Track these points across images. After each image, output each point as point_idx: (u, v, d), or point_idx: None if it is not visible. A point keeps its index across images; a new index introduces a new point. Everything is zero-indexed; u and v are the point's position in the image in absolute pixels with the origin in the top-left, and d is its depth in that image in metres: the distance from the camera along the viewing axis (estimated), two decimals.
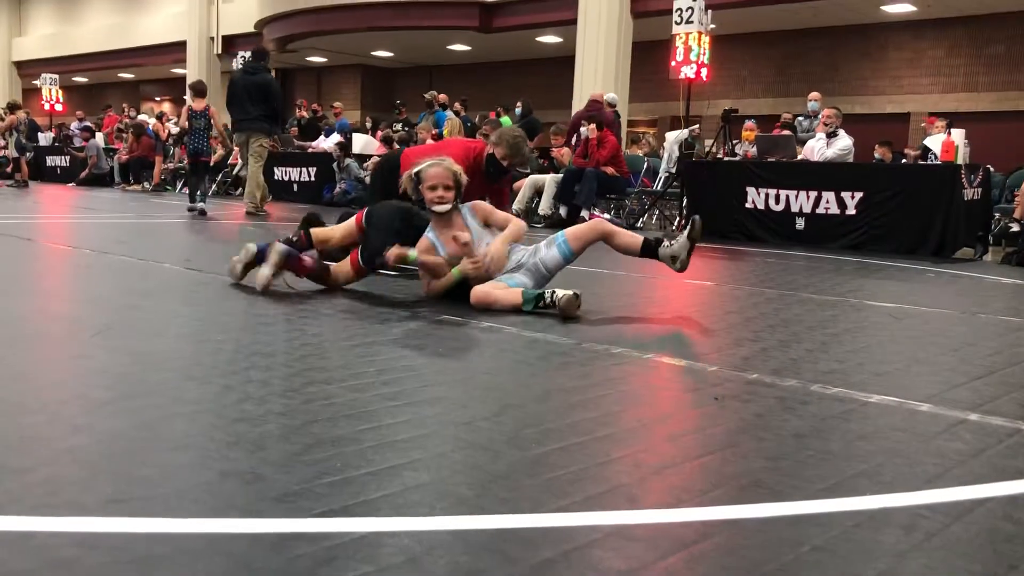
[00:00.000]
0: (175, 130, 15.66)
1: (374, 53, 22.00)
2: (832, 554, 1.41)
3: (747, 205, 8.44)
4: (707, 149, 11.26)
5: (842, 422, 2.20)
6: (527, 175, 10.20)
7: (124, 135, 16.96)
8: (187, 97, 11.24)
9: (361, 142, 13.59)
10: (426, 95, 13.99)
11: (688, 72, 10.14)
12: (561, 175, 9.96)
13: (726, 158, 9.66)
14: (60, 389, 2.28)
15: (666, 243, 3.82)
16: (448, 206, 3.82)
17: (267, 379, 2.36)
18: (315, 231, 4.25)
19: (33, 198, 12.18)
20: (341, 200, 11.85)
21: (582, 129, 10.12)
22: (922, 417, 2.27)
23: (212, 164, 11.39)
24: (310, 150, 14.18)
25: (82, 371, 2.48)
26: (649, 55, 15.86)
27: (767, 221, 8.32)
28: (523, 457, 1.82)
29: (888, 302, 4.49)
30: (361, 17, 17.59)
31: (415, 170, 3.88)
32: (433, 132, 11.22)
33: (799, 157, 9.16)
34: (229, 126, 10.97)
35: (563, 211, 9.76)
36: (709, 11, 10.19)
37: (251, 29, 20.33)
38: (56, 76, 20.97)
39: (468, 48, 19.94)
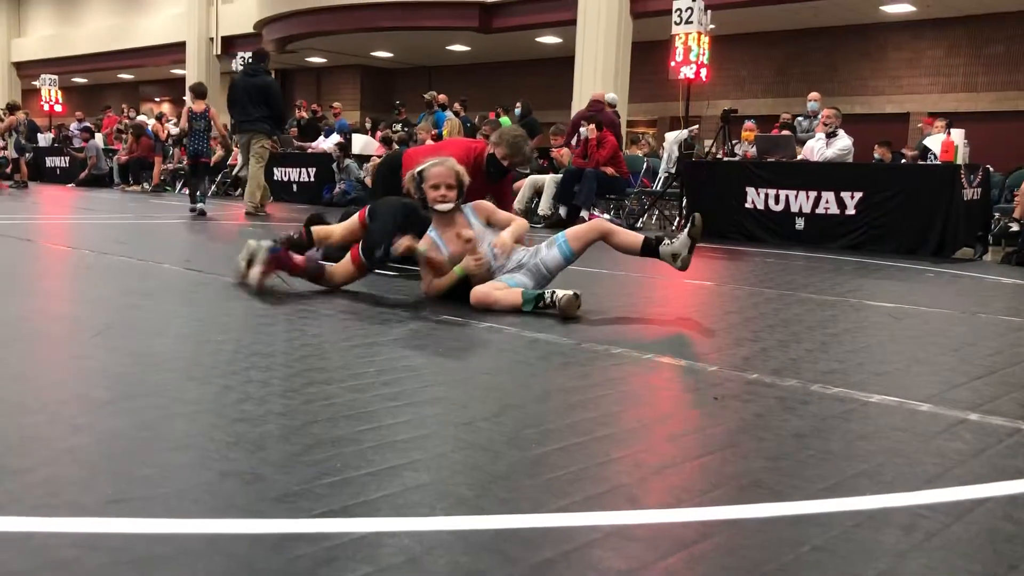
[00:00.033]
0: (175, 131, 15.66)
1: (373, 53, 22.01)
2: (832, 554, 1.41)
3: (747, 205, 8.44)
4: (707, 149, 11.27)
5: (842, 422, 2.20)
6: (527, 175, 10.20)
7: (123, 136, 16.96)
8: (187, 99, 11.25)
9: (360, 142, 13.60)
10: (425, 95, 13.99)
11: (688, 72, 10.14)
12: (560, 175, 9.97)
13: (726, 158, 9.66)
14: (60, 389, 2.28)
15: (667, 241, 3.82)
16: (450, 205, 3.82)
17: (267, 379, 2.36)
18: (316, 228, 4.25)
19: (33, 199, 12.18)
20: (340, 200, 11.85)
21: (581, 129, 10.12)
22: (922, 417, 2.27)
23: (212, 165, 11.39)
24: (309, 150, 14.18)
25: (82, 371, 2.48)
26: (648, 55, 15.87)
27: (767, 221, 8.32)
28: (523, 457, 1.82)
29: (888, 302, 4.49)
30: (360, 18, 17.59)
31: (418, 169, 3.88)
32: (432, 132, 11.21)
33: (799, 157, 9.16)
34: (229, 127, 10.98)
35: (563, 211, 9.76)
36: (708, 11, 10.20)
37: (250, 30, 20.33)
38: (55, 77, 20.97)
39: (468, 48, 19.94)
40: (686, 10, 10.06)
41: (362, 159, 12.89)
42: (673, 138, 10.52)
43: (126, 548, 1.33)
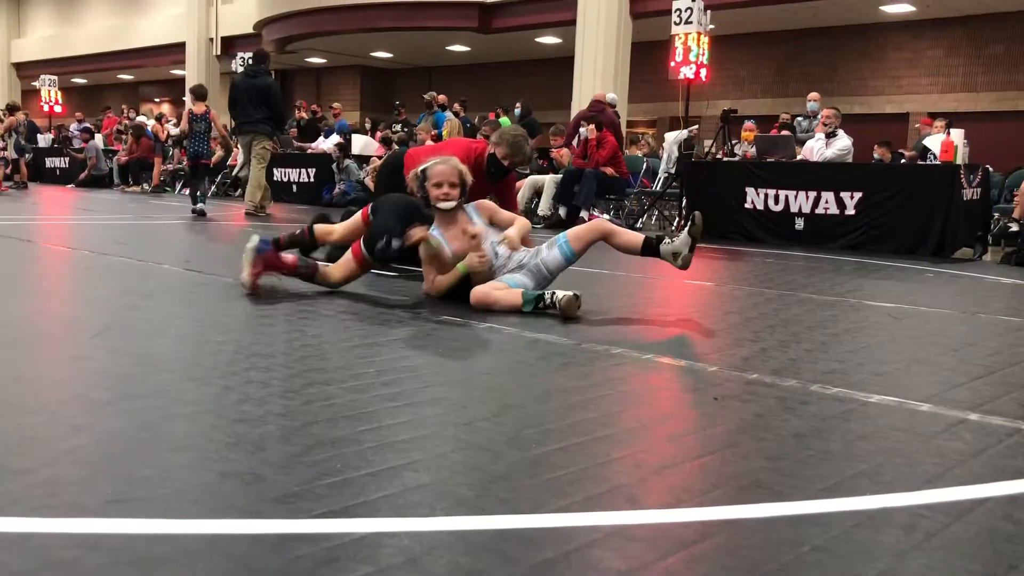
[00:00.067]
0: (174, 131, 15.66)
1: (373, 54, 22.01)
2: (832, 554, 1.41)
3: (746, 205, 8.44)
4: (706, 149, 11.27)
5: (842, 422, 2.20)
6: (527, 176, 10.20)
7: (123, 136, 16.97)
8: (187, 100, 11.25)
9: (360, 143, 13.60)
10: (425, 96, 13.99)
11: (687, 72, 10.15)
12: (560, 176, 9.97)
13: (725, 158, 9.67)
14: (60, 390, 2.28)
15: (667, 240, 3.81)
16: (453, 203, 3.83)
17: (267, 380, 2.36)
18: (318, 226, 4.25)
19: (32, 199, 12.18)
20: (340, 201, 11.85)
21: (581, 130, 10.12)
22: (922, 417, 2.27)
23: (212, 166, 11.40)
24: (309, 151, 14.18)
25: (82, 372, 2.48)
26: (648, 55, 15.87)
27: (766, 221, 8.32)
28: (523, 457, 1.82)
29: (887, 302, 4.50)
30: (360, 18, 17.59)
31: (421, 168, 3.88)
32: (432, 133, 11.22)
33: (798, 157, 9.16)
34: (229, 127, 10.98)
35: (562, 212, 9.76)
36: (708, 11, 10.20)
37: (250, 30, 20.33)
38: (55, 77, 20.97)
39: (467, 49, 19.94)
40: (686, 10, 10.07)
41: (362, 160, 12.89)
42: (673, 138, 10.52)
43: (126, 548, 1.33)
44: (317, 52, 21.86)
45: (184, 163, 12.49)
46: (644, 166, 11.35)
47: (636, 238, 3.87)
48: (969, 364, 2.97)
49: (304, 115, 16.66)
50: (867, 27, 16.07)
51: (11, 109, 15.35)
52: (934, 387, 2.60)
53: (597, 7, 14.14)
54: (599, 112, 10.40)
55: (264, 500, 1.53)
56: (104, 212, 10.01)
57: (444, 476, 1.70)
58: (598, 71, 13.99)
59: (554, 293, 3.57)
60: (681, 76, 10.22)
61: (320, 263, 4.13)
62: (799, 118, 11.78)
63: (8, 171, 14.26)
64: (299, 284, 4.06)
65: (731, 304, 4.35)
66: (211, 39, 22.37)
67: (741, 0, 13.81)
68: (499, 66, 21.22)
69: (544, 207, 9.95)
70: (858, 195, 7.76)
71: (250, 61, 10.66)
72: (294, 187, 13.72)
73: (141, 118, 18.06)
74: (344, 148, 13.02)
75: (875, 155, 11.34)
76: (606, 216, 9.78)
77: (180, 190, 15.16)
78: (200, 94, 9.83)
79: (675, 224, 9.84)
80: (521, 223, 3.97)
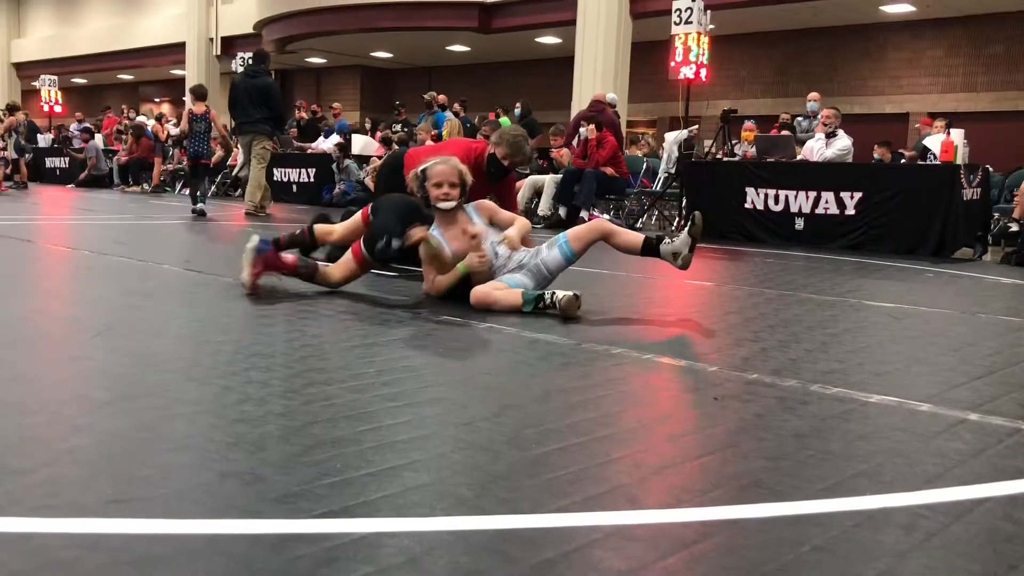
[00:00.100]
0: (174, 131, 15.66)
1: (373, 54, 22.01)
2: (832, 554, 1.41)
3: (746, 205, 8.44)
4: (706, 150, 11.26)
5: (842, 422, 2.20)
6: (527, 175, 10.20)
7: (123, 136, 16.97)
8: (187, 100, 11.26)
9: (360, 143, 13.60)
10: (425, 96, 13.99)
11: (687, 72, 10.15)
12: (560, 176, 9.97)
13: (725, 158, 9.66)
14: (60, 390, 2.28)
15: (667, 240, 3.81)
16: (453, 203, 3.83)
17: (267, 380, 2.36)
18: (318, 227, 4.25)
19: (32, 199, 12.18)
20: (340, 201, 11.85)
21: (581, 130, 10.12)
22: (922, 417, 2.27)
23: (211, 166, 11.40)
24: (309, 151, 14.18)
25: (82, 372, 2.48)
26: (648, 55, 15.87)
27: (766, 221, 8.32)
28: (523, 457, 1.82)
29: (887, 302, 4.50)
30: (360, 18, 17.59)
31: (421, 168, 3.88)
32: (432, 133, 11.22)
33: (798, 157, 9.16)
34: (229, 127, 10.98)
35: (562, 212, 9.76)
36: (708, 11, 10.20)
37: (250, 30, 20.33)
38: (55, 77, 20.97)
39: (467, 49, 19.94)
40: (686, 10, 10.07)
41: (362, 160, 12.89)
42: (673, 138, 10.52)
43: (126, 548, 1.33)
44: (317, 52, 21.86)
45: (184, 163, 12.49)
46: (644, 166, 11.35)
47: (636, 238, 3.87)
48: (969, 364, 2.97)
49: (304, 115, 16.66)
50: (867, 27, 16.07)
51: (11, 109, 15.35)
52: (934, 387, 2.60)
53: (597, 7, 14.14)
54: (599, 112, 10.40)
55: (264, 500, 1.53)
56: (104, 212, 10.01)
57: (444, 476, 1.70)
58: (598, 71, 13.99)
59: (554, 293, 3.57)
60: (681, 76, 10.22)
61: (320, 263, 4.13)
62: (799, 118, 11.78)
63: (8, 171, 14.26)
64: (299, 284, 4.06)
65: (731, 304, 4.35)
66: (211, 39, 22.37)
67: (741, 0, 13.81)
68: (499, 66, 21.22)
69: (544, 207, 9.95)
70: (858, 195, 7.76)
71: (250, 61, 10.65)
72: (294, 187, 13.72)
73: (141, 118, 18.06)
74: (344, 148, 13.02)
75: (875, 155, 11.34)
76: (606, 216, 9.78)
77: (180, 190, 15.16)
78: (200, 94, 9.84)
79: (675, 224, 9.84)
80: (521, 223, 3.97)
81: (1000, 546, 1.48)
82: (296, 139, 15.12)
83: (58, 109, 20.72)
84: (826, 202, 7.94)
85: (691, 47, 10.08)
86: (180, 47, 22.96)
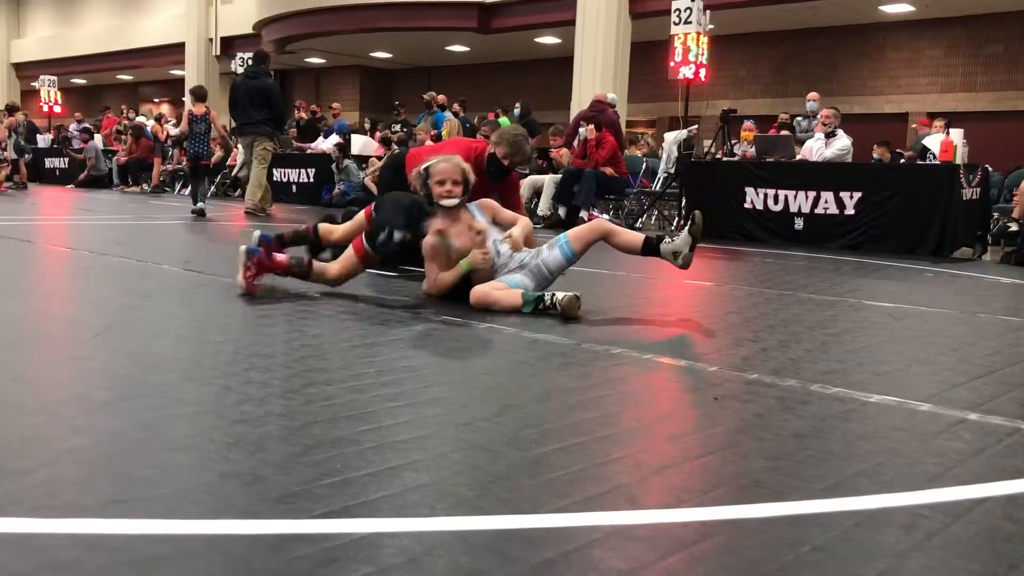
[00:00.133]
0: (174, 132, 15.66)
1: (373, 54, 22.01)
2: (832, 554, 1.41)
3: (746, 205, 8.44)
4: (706, 149, 11.26)
5: (842, 422, 2.20)
6: (527, 175, 10.20)
7: (123, 137, 16.97)
8: (187, 101, 11.26)
9: (360, 143, 13.59)
10: (425, 96, 13.99)
11: (687, 72, 10.15)
12: (560, 176, 9.97)
13: (725, 158, 9.67)
14: (60, 390, 2.28)
15: (668, 240, 3.81)
16: (456, 200, 3.83)
17: (267, 380, 2.36)
18: (322, 225, 4.26)
19: (32, 200, 12.17)
20: (340, 201, 11.85)
21: (581, 130, 10.12)
22: (922, 417, 2.27)
23: (211, 166, 11.40)
24: (309, 151, 14.18)
25: (82, 372, 2.48)
26: (648, 55, 15.87)
27: (766, 221, 8.32)
28: (523, 457, 1.82)
29: (887, 302, 4.50)
30: (360, 18, 17.59)
31: (424, 166, 3.88)
32: (432, 133, 11.22)
33: (798, 157, 9.16)
34: (229, 128, 10.98)
35: (562, 212, 9.76)
36: (707, 11, 10.20)
37: (250, 30, 20.33)
38: (55, 78, 20.97)
39: (467, 49, 19.94)
40: (685, 10, 10.07)
41: (361, 160, 12.89)
42: (672, 138, 10.53)
43: (126, 549, 1.33)
44: (316, 52, 21.86)
45: (184, 164, 12.49)
46: (644, 166, 11.35)
47: (636, 238, 3.87)
48: (969, 364, 2.97)
49: (303, 115, 16.66)
50: (866, 27, 16.07)
51: (10, 109, 15.35)
52: (934, 387, 2.60)
53: (596, 7, 14.14)
54: (600, 112, 10.39)
55: (264, 500, 1.53)
56: (104, 212, 10.01)
57: (444, 476, 1.70)
58: (597, 71, 13.99)
59: (554, 295, 3.57)
60: (680, 76, 10.22)
61: (315, 260, 4.10)
62: (798, 118, 11.78)
63: (8, 171, 14.26)
64: (298, 284, 4.06)
65: (731, 304, 4.35)
66: (210, 39, 22.37)
67: (740, 0, 13.81)
68: (498, 66, 21.22)
69: (543, 207, 9.95)
70: (858, 195, 7.76)
71: (250, 62, 10.65)
72: (294, 187, 13.71)
73: (140, 118, 18.06)
74: (344, 148, 13.02)
75: (874, 155, 11.34)
76: (606, 216, 9.79)
77: (179, 190, 15.16)
78: (200, 95, 9.84)
79: (675, 224, 9.84)
80: (524, 223, 3.97)
81: (1000, 546, 1.48)
82: (295, 139, 15.12)
83: (57, 109, 20.72)
84: (826, 202, 7.94)
85: (690, 47, 10.08)
86: (179, 47, 22.96)
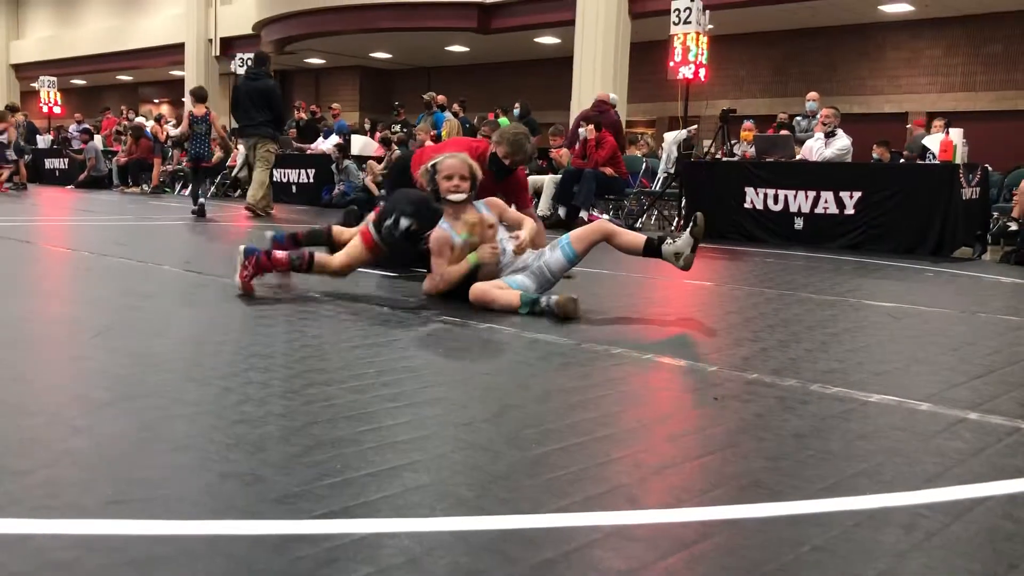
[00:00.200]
0: (174, 132, 15.65)
1: (372, 54, 22.01)
2: (832, 554, 1.41)
3: (745, 205, 8.44)
4: (705, 149, 11.27)
5: (842, 422, 2.20)
6: (527, 175, 10.19)
7: (123, 137, 16.96)
8: (187, 102, 11.26)
9: (360, 143, 13.59)
10: (424, 96, 13.99)
11: (686, 72, 10.14)
12: (559, 176, 9.97)
13: (724, 158, 9.67)
14: (60, 391, 2.28)
15: (669, 241, 3.81)
16: (464, 195, 3.83)
17: (267, 380, 2.36)
18: (336, 227, 4.30)
19: (32, 201, 12.17)
20: (339, 202, 11.85)
21: (580, 130, 10.12)
22: (922, 416, 2.27)
23: (211, 167, 11.41)
24: (308, 152, 14.18)
25: (82, 373, 2.48)
26: (647, 55, 15.87)
27: (766, 221, 8.32)
28: (523, 458, 1.82)
29: (887, 301, 4.50)
30: (359, 19, 17.59)
31: (431, 163, 3.89)
32: (432, 133, 11.22)
33: (797, 157, 9.16)
34: (229, 129, 10.99)
35: (562, 212, 9.76)
36: (707, 11, 10.19)
37: (249, 31, 20.32)
38: (54, 78, 20.95)
39: (466, 49, 19.94)
40: (684, 10, 10.06)
41: (361, 160, 12.89)
42: (672, 138, 10.52)
43: (126, 549, 1.33)
44: (316, 53, 21.86)
45: (183, 164, 12.48)
46: (643, 166, 11.35)
47: (638, 239, 3.87)
48: (969, 363, 2.97)
49: (303, 116, 16.66)
50: (866, 27, 16.07)
51: (11, 110, 15.34)
52: (934, 386, 2.60)
53: (596, 7, 14.14)
54: (602, 112, 10.39)
55: (264, 501, 1.53)
56: (103, 213, 10.01)
57: (444, 476, 1.70)
58: (597, 71, 13.99)
59: (550, 298, 3.56)
60: (680, 76, 10.21)
61: (316, 252, 4.05)
62: (798, 118, 11.78)
63: (10, 172, 14.26)
64: (298, 284, 4.06)
65: (731, 304, 4.35)
66: (210, 40, 22.37)
67: (740, 0, 13.81)
68: (498, 66, 21.22)
69: (543, 207, 9.95)
70: (857, 195, 7.76)
71: (250, 63, 10.65)
72: (294, 188, 13.71)
73: (140, 119, 18.05)
74: (343, 149, 13.02)
75: (874, 155, 11.34)
76: (606, 216, 9.79)
77: (179, 191, 15.16)
78: (200, 96, 9.85)
79: (674, 224, 9.84)
80: (530, 225, 3.94)
81: (1000, 545, 1.48)
82: (295, 140, 15.12)
83: (57, 110, 20.70)
84: (825, 202, 7.94)
85: (690, 47, 10.07)
86: (179, 48, 22.96)
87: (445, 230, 3.83)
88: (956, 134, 7.81)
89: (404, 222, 3.77)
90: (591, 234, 3.87)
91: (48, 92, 20.39)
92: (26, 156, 15.78)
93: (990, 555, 1.44)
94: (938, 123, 10.81)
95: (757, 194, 8.37)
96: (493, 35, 17.13)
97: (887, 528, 1.53)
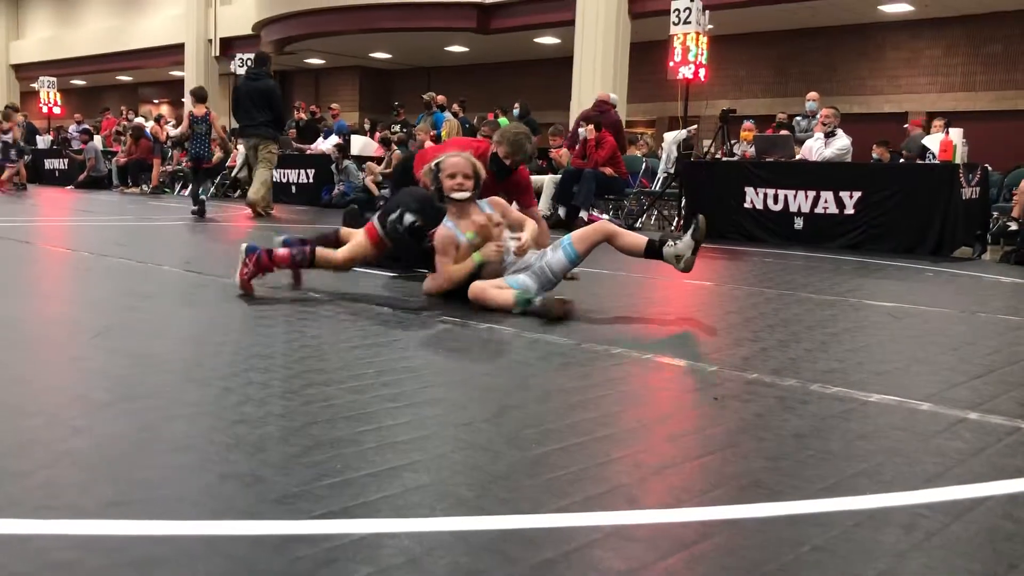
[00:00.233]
0: (173, 132, 15.65)
1: (372, 55, 22.01)
2: (832, 554, 1.41)
3: (745, 205, 8.44)
4: (705, 149, 11.27)
5: (842, 421, 2.20)
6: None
7: (122, 138, 16.96)
8: (187, 102, 11.26)
9: (359, 143, 13.58)
10: (424, 96, 13.99)
11: (686, 72, 10.14)
12: (559, 176, 9.97)
13: (724, 158, 9.67)
14: (59, 391, 2.28)
15: (670, 243, 3.81)
16: (467, 194, 3.83)
17: (267, 381, 2.36)
18: (343, 228, 4.31)
19: (32, 201, 12.17)
20: (339, 202, 11.85)
21: (580, 130, 10.12)
22: (922, 416, 2.27)
23: (211, 167, 11.41)
24: (308, 152, 14.18)
25: (81, 373, 2.48)
26: (647, 55, 15.87)
27: (766, 221, 8.32)
28: (523, 458, 1.82)
29: (887, 301, 4.50)
30: (359, 19, 17.59)
31: (435, 162, 3.89)
32: (431, 133, 11.22)
33: (797, 157, 9.16)
34: (228, 129, 10.98)
35: (562, 212, 9.76)
36: (707, 11, 10.20)
37: (249, 31, 20.33)
38: (54, 79, 20.94)
39: (466, 49, 19.94)
40: (684, 10, 10.06)
41: (361, 160, 12.89)
42: (672, 138, 10.52)
43: (126, 550, 1.33)
44: (316, 53, 21.86)
45: (183, 164, 12.48)
46: (643, 166, 11.35)
47: (639, 240, 3.87)
48: (969, 363, 2.97)
49: (303, 116, 16.66)
50: (865, 27, 16.07)
51: (12, 110, 15.33)
52: (934, 386, 2.60)
53: (596, 7, 14.14)
54: (603, 112, 10.39)
55: (264, 501, 1.53)
56: (103, 213, 10.01)
57: (444, 476, 1.70)
58: (597, 71, 13.99)
59: (544, 298, 3.56)
60: (680, 76, 10.21)
61: (318, 246, 4.02)
62: (798, 118, 11.78)
63: (13, 171, 14.26)
64: (302, 283, 4.06)
65: (731, 304, 4.35)
66: (210, 40, 22.37)
67: (740, 0, 13.81)
68: (498, 66, 21.22)
69: (543, 207, 9.94)
70: (857, 194, 7.76)
71: (250, 63, 10.65)
72: (293, 188, 13.71)
73: (140, 119, 18.05)
74: (343, 149, 13.01)
75: (874, 155, 11.34)
76: (606, 216, 9.79)
77: (179, 191, 15.16)
78: (201, 96, 9.85)
79: (674, 224, 9.83)
80: (532, 226, 3.94)
81: (1000, 545, 1.48)
82: (295, 140, 15.12)
83: (57, 111, 20.70)
84: (825, 202, 7.94)
85: (690, 47, 10.07)
86: (179, 48, 22.96)
87: (450, 229, 3.83)
88: (956, 134, 7.81)
89: (409, 217, 3.78)
90: (593, 235, 3.87)
91: (48, 92, 20.38)
92: (26, 156, 15.77)
93: (990, 555, 1.44)
94: (938, 123, 10.81)
95: (757, 194, 8.37)
96: (493, 35, 17.13)
97: (887, 528, 1.53)
